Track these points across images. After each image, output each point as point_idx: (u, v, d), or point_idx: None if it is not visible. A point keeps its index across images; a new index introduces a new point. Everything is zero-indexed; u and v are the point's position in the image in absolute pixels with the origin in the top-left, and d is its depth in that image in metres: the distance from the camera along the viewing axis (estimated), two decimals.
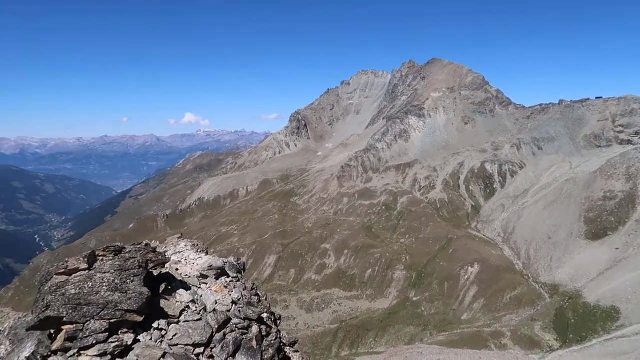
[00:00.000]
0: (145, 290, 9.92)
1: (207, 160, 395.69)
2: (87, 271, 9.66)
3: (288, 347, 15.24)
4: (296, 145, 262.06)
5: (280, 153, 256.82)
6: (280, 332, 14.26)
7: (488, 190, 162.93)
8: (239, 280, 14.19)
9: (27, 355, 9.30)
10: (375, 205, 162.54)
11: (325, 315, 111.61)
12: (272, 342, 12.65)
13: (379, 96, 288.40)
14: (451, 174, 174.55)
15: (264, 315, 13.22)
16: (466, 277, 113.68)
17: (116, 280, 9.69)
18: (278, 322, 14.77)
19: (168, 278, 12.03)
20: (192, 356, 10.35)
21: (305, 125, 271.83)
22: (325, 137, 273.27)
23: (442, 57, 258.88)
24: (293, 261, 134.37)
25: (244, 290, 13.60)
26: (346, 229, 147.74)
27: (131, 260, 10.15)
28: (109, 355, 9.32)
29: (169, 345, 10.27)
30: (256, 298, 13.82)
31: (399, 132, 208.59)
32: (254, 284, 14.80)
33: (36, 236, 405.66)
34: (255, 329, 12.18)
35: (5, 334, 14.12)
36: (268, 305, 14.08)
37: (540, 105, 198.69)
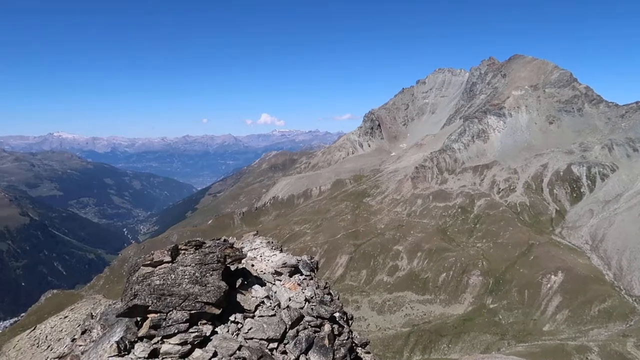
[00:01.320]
0: (223, 284, 10.26)
1: (282, 160, 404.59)
2: (170, 264, 10.16)
3: (360, 348, 15.15)
4: (369, 146, 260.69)
5: (353, 153, 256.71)
6: (352, 332, 14.20)
7: (574, 194, 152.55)
8: (311, 279, 14.30)
9: (117, 340, 9.95)
10: (450, 207, 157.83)
11: (397, 318, 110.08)
12: (344, 341, 12.61)
13: (456, 95, 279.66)
14: (533, 177, 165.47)
15: (336, 315, 13.22)
16: (549, 285, 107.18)
17: (196, 274, 10.10)
18: (350, 322, 14.72)
19: (244, 273, 12.37)
20: (267, 350, 10.55)
21: (379, 125, 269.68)
22: (399, 137, 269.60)
23: (525, 53, 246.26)
24: (365, 262, 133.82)
25: (316, 288, 13.69)
26: (420, 231, 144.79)
27: (210, 255, 10.53)
28: (189, 345, 9.74)
29: (245, 339, 10.55)
30: (328, 297, 13.86)
31: (477, 132, 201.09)
32: (326, 283, 14.86)
33: (124, 229, 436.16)
34: (327, 327, 12.20)
35: (97, 319, 15.23)
36: (340, 304, 14.08)
37: (637, 103, 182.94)
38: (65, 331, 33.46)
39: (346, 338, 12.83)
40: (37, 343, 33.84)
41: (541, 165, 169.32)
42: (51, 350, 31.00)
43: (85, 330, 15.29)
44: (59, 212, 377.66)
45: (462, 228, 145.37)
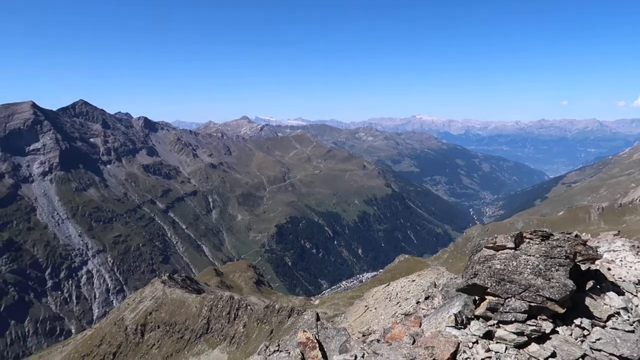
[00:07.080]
0: (570, 282, 9.42)
1: None
2: (512, 250, 9.97)
3: None
4: None
5: None
6: None
7: None
8: None
9: (455, 312, 10.57)
10: None
11: None
12: None
13: None
14: None
15: None
16: None
17: (540, 266, 9.60)
18: None
19: (597, 276, 10.97)
20: None
21: None
22: None
23: None
24: None
25: None
26: None
27: (558, 249, 9.80)
28: (525, 337, 9.42)
29: (591, 349, 9.43)
30: None
31: None
32: None
33: (470, 209, 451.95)
34: None
35: (439, 289, 16.48)
36: None
37: None
38: (412, 293, 37.64)
39: None
40: (389, 297, 39.37)
41: None
42: (399, 306, 35.50)
43: (429, 296, 16.84)
44: (415, 187, 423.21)
45: None
